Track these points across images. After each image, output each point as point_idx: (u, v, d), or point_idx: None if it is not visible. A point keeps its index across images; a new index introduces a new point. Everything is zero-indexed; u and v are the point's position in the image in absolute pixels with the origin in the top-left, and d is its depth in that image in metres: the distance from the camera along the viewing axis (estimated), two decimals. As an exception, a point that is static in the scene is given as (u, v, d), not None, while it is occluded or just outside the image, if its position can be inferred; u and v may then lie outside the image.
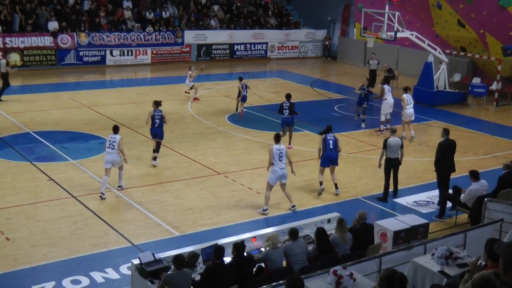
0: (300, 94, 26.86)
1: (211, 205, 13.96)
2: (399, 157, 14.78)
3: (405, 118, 20.29)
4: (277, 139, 13.84)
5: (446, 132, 14.50)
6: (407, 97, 20.34)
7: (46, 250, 11.36)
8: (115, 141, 14.06)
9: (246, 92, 22.25)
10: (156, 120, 16.42)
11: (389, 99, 21.04)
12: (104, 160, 14.15)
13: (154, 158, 16.59)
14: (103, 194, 13.97)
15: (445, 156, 14.15)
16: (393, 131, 15.17)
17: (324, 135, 15.14)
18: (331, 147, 14.93)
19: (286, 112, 18.39)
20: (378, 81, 25.47)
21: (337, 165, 15.16)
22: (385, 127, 21.00)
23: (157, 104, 16.74)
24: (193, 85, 24.88)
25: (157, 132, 16.53)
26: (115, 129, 14.35)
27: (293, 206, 14.02)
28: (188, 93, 25.25)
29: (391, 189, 14.99)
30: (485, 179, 13.42)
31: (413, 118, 20.55)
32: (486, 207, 11.50)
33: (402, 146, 14.78)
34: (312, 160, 17.61)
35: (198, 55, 34.85)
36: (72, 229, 12.34)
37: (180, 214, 13.41)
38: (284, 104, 18.50)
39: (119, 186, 14.60)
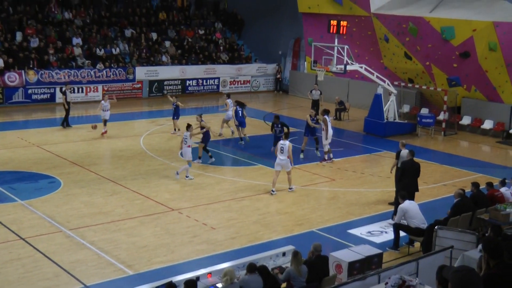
0: (253, 128, 26.99)
1: (165, 242, 13.80)
2: None
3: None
4: (286, 136, 18.21)
5: (411, 153, 15.94)
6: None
7: (-6, 295, 11.02)
8: (186, 138, 18.49)
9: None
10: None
11: (329, 129, 21.37)
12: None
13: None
14: (187, 177, 18.62)
15: (405, 175, 15.53)
16: (403, 145, 16.80)
17: (235, 107, 24.02)
18: (240, 115, 23.76)
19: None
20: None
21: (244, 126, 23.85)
22: (329, 159, 21.41)
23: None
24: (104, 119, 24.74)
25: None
26: (188, 127, 18.77)
27: (290, 188, 17.88)
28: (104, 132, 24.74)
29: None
30: (436, 207, 13.72)
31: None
32: (437, 235, 11.68)
33: (407, 157, 16.19)
34: (266, 193, 17.66)
35: (150, 91, 34.78)
36: (20, 272, 11.98)
37: (134, 252, 13.20)
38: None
39: (177, 173, 18.64)
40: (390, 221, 15.35)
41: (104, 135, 24.32)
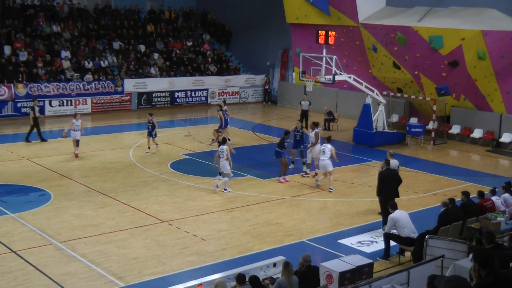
0: (242, 139, 27.05)
1: (156, 254, 13.77)
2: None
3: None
4: (328, 140, 19.67)
5: (386, 162, 16.15)
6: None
7: (-16, 309, 10.93)
8: (223, 152, 18.49)
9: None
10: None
11: (317, 144, 21.09)
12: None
13: None
14: (225, 190, 18.71)
15: (385, 185, 15.46)
16: (391, 155, 17.14)
17: (221, 111, 24.70)
18: (227, 118, 24.81)
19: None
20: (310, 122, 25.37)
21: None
22: (312, 171, 21.21)
23: None
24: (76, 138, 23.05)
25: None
26: (223, 141, 19.01)
27: (330, 189, 19.16)
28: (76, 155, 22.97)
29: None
30: (426, 217, 13.78)
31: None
32: (428, 244, 11.71)
33: (398, 166, 17.18)
34: (255, 204, 17.66)
35: (138, 103, 34.74)
36: (11, 285, 11.91)
37: (125, 264, 13.15)
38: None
39: (216, 186, 18.72)
40: (381, 230, 15.37)
41: (77, 157, 22.80)
